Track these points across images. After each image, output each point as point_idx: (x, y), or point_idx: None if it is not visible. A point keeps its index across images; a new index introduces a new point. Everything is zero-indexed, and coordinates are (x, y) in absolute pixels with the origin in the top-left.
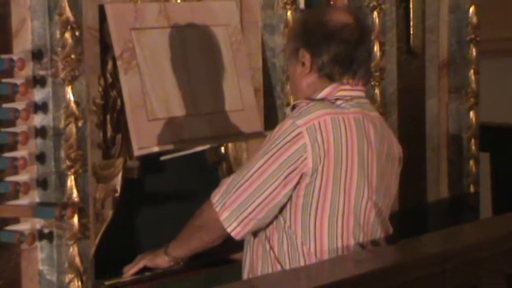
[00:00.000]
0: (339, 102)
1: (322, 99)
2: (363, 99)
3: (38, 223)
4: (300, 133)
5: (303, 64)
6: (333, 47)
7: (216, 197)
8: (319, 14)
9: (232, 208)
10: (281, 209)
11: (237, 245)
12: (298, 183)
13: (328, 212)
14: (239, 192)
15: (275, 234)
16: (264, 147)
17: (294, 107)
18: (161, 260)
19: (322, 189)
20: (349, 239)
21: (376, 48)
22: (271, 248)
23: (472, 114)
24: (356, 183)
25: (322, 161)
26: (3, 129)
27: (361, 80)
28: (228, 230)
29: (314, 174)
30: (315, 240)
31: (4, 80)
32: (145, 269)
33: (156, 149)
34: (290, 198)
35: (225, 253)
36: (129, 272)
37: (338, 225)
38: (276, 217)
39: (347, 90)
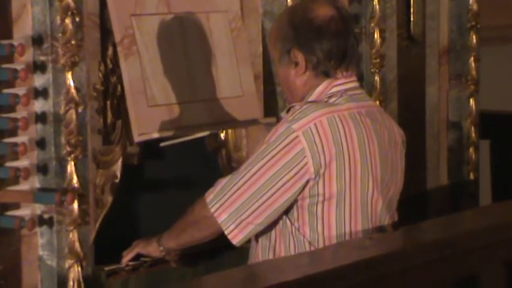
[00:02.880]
0: (333, 99)
1: (315, 101)
2: (357, 89)
3: (38, 209)
4: (296, 137)
5: (297, 64)
6: (325, 43)
7: (210, 196)
8: (303, 11)
9: (231, 211)
10: (287, 212)
11: None
12: (303, 187)
13: (334, 210)
14: (236, 195)
15: (281, 240)
16: (259, 151)
17: (288, 110)
18: (153, 249)
19: (326, 189)
20: (358, 233)
21: (377, 35)
22: (276, 255)
23: (472, 101)
24: (360, 177)
25: (323, 163)
26: (3, 115)
27: (354, 70)
28: (226, 232)
29: (317, 177)
30: (323, 238)
31: (4, 66)
32: (142, 255)
33: (156, 135)
34: (296, 200)
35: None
36: (125, 258)
37: (346, 221)
38: (278, 222)
39: (341, 84)
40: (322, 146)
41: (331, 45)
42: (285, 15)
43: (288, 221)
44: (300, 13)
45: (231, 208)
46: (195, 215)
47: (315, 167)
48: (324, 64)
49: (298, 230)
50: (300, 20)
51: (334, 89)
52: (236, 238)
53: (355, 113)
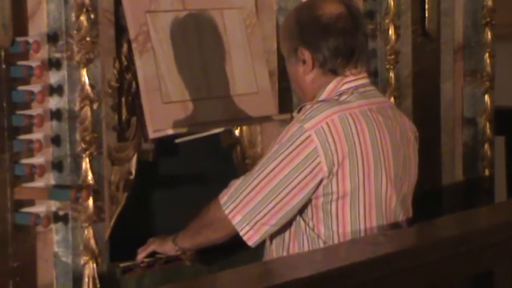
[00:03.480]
0: (343, 97)
1: (325, 99)
2: (368, 86)
3: (54, 205)
4: (309, 136)
5: (304, 62)
6: (331, 41)
7: (224, 197)
8: (310, 8)
9: (245, 212)
10: (301, 212)
11: None
12: (316, 186)
13: (349, 207)
14: (250, 196)
15: (295, 239)
16: (272, 151)
17: (300, 110)
18: (169, 248)
19: (340, 187)
20: (373, 230)
21: (391, 31)
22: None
23: (487, 97)
24: (374, 173)
25: (336, 161)
26: (18, 112)
27: (364, 67)
28: (241, 233)
29: (330, 175)
30: (338, 236)
31: (20, 63)
32: (157, 252)
33: (170, 131)
34: (310, 200)
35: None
36: (140, 255)
37: (360, 218)
38: (292, 222)
39: (351, 81)
40: (335, 145)
41: (338, 42)
42: (293, 13)
43: (301, 221)
44: (307, 11)
45: (245, 209)
46: (210, 216)
47: (328, 166)
48: (331, 62)
49: (313, 230)
50: (306, 18)
51: (345, 87)
52: (251, 239)
53: (366, 110)
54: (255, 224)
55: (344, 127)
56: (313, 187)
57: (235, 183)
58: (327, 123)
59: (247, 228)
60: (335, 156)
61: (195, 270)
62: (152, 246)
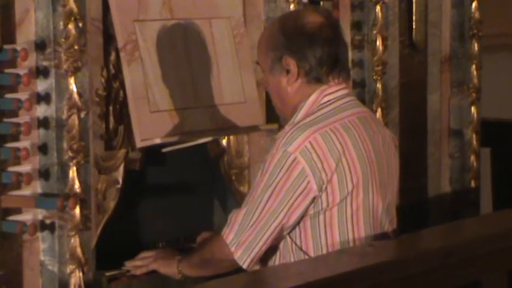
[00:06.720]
0: (324, 110)
1: (301, 120)
2: (348, 97)
3: (40, 214)
4: (295, 159)
5: (288, 72)
6: (317, 49)
7: (229, 237)
8: (294, 18)
9: (245, 245)
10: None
11: None
12: (308, 206)
13: (337, 217)
14: (251, 229)
15: (282, 258)
16: (263, 182)
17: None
18: (172, 272)
19: (330, 200)
20: (360, 238)
21: (379, 42)
22: None
23: (473, 109)
24: (362, 183)
25: (325, 178)
26: (5, 120)
27: (345, 77)
28: (244, 266)
29: (320, 192)
30: (327, 248)
31: (7, 71)
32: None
33: (158, 140)
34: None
35: None
36: (139, 270)
37: (348, 227)
38: (280, 242)
39: (332, 93)
40: (321, 162)
41: (323, 51)
42: (276, 23)
43: (288, 239)
44: (291, 21)
45: (246, 243)
46: (217, 255)
47: (318, 184)
48: (316, 70)
49: (300, 248)
50: (291, 27)
51: (325, 99)
52: (249, 266)
53: (346, 122)
54: (256, 255)
55: (327, 143)
56: (305, 207)
57: (236, 220)
58: (310, 142)
59: (249, 260)
60: (323, 174)
61: (182, 279)
62: (154, 265)
